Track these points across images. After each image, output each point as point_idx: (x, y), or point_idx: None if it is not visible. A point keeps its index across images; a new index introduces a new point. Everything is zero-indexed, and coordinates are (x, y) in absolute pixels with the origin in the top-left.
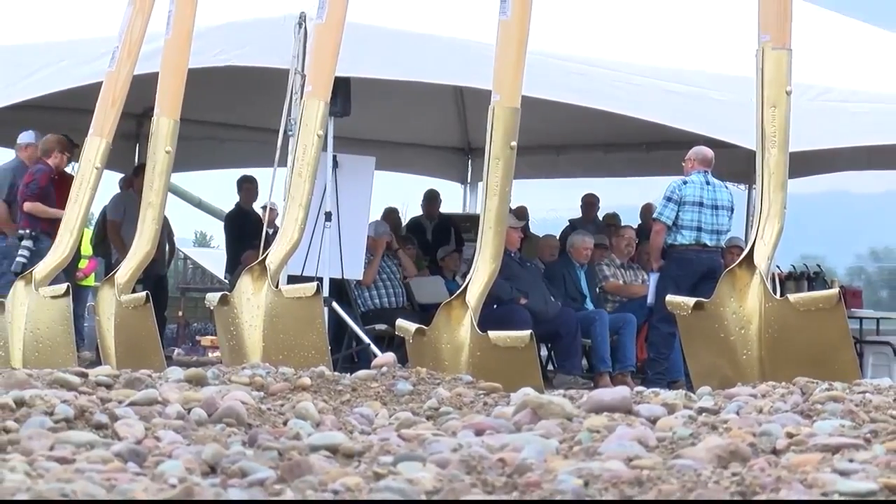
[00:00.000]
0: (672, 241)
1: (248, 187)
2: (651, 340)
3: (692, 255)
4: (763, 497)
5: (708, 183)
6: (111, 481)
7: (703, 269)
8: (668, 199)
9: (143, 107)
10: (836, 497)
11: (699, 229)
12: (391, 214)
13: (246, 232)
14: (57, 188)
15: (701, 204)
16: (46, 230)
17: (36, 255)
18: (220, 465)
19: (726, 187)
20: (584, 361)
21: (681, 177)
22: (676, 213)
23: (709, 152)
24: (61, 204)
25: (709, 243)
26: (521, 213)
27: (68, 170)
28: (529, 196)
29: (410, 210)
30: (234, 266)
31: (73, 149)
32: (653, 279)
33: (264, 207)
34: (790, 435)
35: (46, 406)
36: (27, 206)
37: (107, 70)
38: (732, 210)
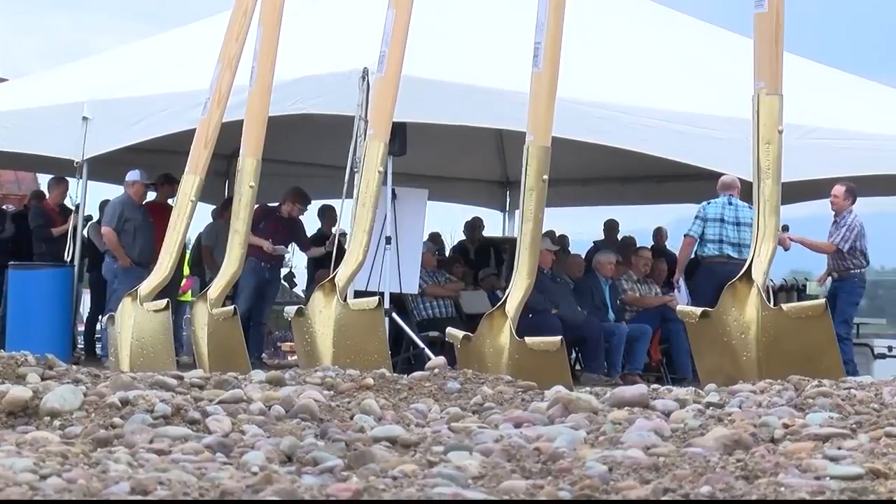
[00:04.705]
0: (700, 253)
1: (329, 214)
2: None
3: (717, 266)
4: (764, 480)
5: (730, 203)
6: (202, 470)
7: (727, 278)
8: (696, 217)
9: (231, 148)
10: (827, 480)
11: (721, 242)
12: (436, 238)
13: (326, 254)
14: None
15: (722, 220)
16: (255, 255)
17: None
18: (296, 454)
19: (750, 208)
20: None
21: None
22: (703, 229)
23: (731, 179)
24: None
25: (733, 255)
26: (560, 240)
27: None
28: (560, 221)
29: (456, 235)
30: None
31: (173, 184)
32: (684, 288)
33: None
34: (786, 426)
35: (147, 404)
36: None
37: (200, 117)
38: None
